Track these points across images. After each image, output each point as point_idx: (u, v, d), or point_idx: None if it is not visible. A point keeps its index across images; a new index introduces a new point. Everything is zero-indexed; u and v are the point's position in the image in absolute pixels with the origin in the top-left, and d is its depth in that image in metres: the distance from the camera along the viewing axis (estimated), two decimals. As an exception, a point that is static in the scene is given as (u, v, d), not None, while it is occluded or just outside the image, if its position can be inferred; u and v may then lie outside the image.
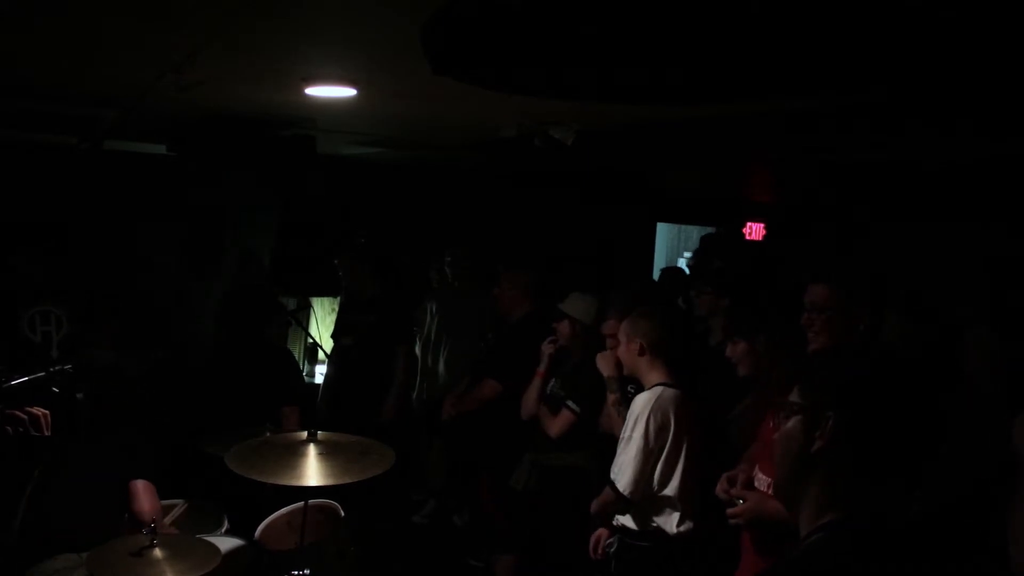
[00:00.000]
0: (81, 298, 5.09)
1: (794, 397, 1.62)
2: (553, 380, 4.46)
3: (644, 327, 3.62)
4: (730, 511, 3.00)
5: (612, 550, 3.65)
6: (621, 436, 3.56)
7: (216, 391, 4.61)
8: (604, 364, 4.05)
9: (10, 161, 6.02)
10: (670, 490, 3.46)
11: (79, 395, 3.00)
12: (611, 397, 4.01)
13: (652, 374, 3.60)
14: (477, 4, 2.44)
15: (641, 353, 3.61)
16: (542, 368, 4.48)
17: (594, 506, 3.70)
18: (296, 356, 6.18)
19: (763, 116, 4.10)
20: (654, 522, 3.49)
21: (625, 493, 3.44)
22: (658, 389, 3.52)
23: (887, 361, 1.61)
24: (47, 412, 2.78)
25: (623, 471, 3.46)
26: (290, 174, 6.05)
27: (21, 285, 4.89)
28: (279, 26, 2.75)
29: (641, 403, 3.51)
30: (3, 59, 3.49)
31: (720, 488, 3.14)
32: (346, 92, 3.83)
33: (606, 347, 4.11)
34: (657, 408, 3.46)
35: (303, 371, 6.53)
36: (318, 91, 3.82)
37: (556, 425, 4.26)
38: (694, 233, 10.25)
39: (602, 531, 3.81)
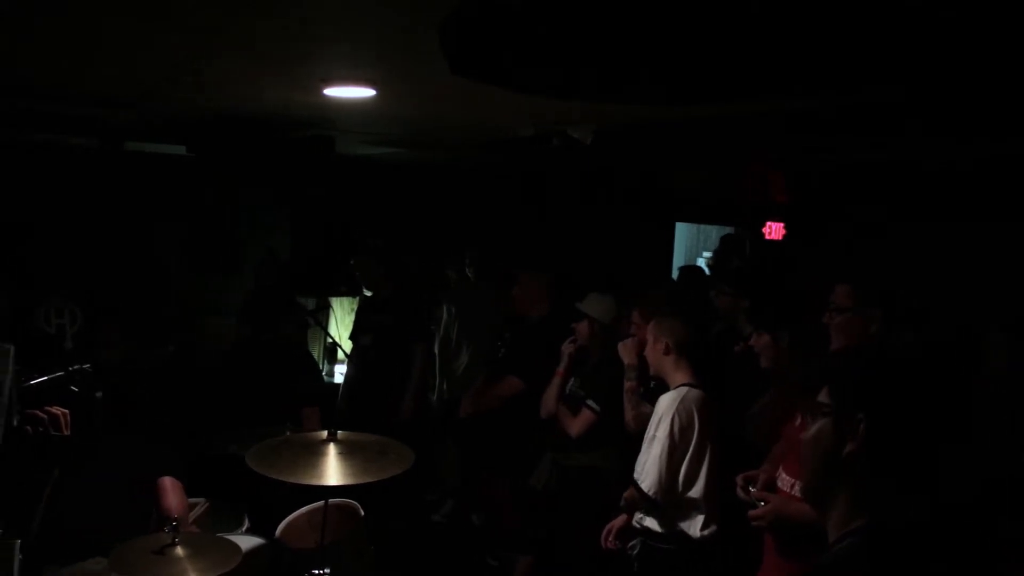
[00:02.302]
0: (97, 296, 5.13)
1: (823, 398, 1.60)
2: (572, 380, 4.46)
3: (671, 327, 3.62)
4: (752, 513, 2.98)
5: (635, 552, 3.64)
6: (645, 436, 3.56)
7: (235, 391, 4.63)
8: (625, 352, 4.06)
9: (29, 161, 6.08)
10: (695, 492, 3.45)
11: (98, 394, 3.01)
12: (628, 384, 4.01)
13: (677, 374, 3.59)
14: (495, 4, 2.45)
15: (667, 352, 3.61)
16: (562, 367, 4.47)
17: (623, 501, 3.71)
18: (316, 356, 6.20)
19: (781, 115, 4.09)
20: (678, 525, 3.48)
21: (650, 493, 3.43)
22: (683, 389, 3.52)
23: (917, 364, 1.59)
24: (66, 411, 2.78)
25: (648, 471, 3.45)
26: (308, 174, 6.08)
27: (35, 279, 4.94)
28: (297, 27, 2.76)
29: (666, 403, 3.51)
30: (28, 63, 3.52)
31: (739, 489, 3.13)
32: (365, 93, 3.83)
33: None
34: (682, 408, 3.45)
35: (322, 371, 6.56)
36: (337, 92, 3.83)
37: (576, 425, 4.26)
38: (713, 233, 10.20)
39: (615, 521, 3.81)
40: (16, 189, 5.96)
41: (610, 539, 3.83)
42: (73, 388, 2.87)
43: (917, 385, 1.53)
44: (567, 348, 4.47)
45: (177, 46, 3.07)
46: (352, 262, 5.88)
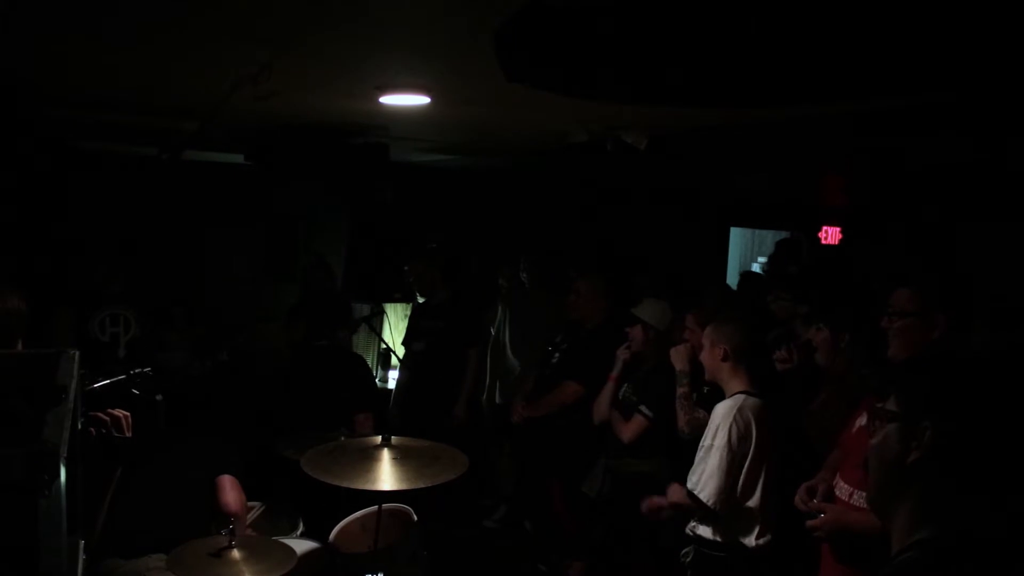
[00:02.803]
0: (154, 303, 5.19)
1: (890, 405, 1.56)
2: (625, 385, 4.43)
3: (729, 333, 3.55)
4: (810, 523, 2.94)
5: (688, 559, 3.60)
6: (701, 443, 3.51)
7: (290, 396, 4.68)
8: (677, 358, 4.00)
9: (94, 170, 6.22)
10: (752, 501, 3.40)
11: (158, 397, 3.06)
12: (680, 391, 3.96)
13: (734, 381, 3.53)
14: (551, 12, 2.44)
15: (725, 359, 3.54)
16: (615, 373, 4.45)
17: (667, 507, 3.69)
18: (370, 362, 6.24)
19: (839, 117, 4.02)
20: (733, 534, 3.43)
21: (711, 504, 3.38)
22: (740, 397, 3.46)
23: (988, 370, 1.54)
24: (128, 414, 2.83)
25: (706, 482, 3.40)
26: (363, 181, 6.13)
27: (96, 288, 5.02)
28: (354, 36, 2.79)
29: (723, 411, 3.46)
30: (87, 74, 3.60)
31: (799, 499, 3.08)
32: (420, 100, 3.85)
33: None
34: (739, 417, 3.39)
35: (376, 377, 6.61)
36: (392, 99, 3.86)
37: (629, 430, 4.23)
38: (768, 238, 10.08)
39: (655, 501, 3.82)
40: (76, 198, 6.09)
41: (645, 507, 3.85)
42: (134, 391, 2.92)
43: (987, 393, 1.49)
44: (622, 353, 4.45)
45: (242, 57, 3.11)
46: (406, 267, 5.93)
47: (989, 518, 1.45)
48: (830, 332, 3.53)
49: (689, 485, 3.48)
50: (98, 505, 2.88)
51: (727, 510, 3.41)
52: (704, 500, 3.39)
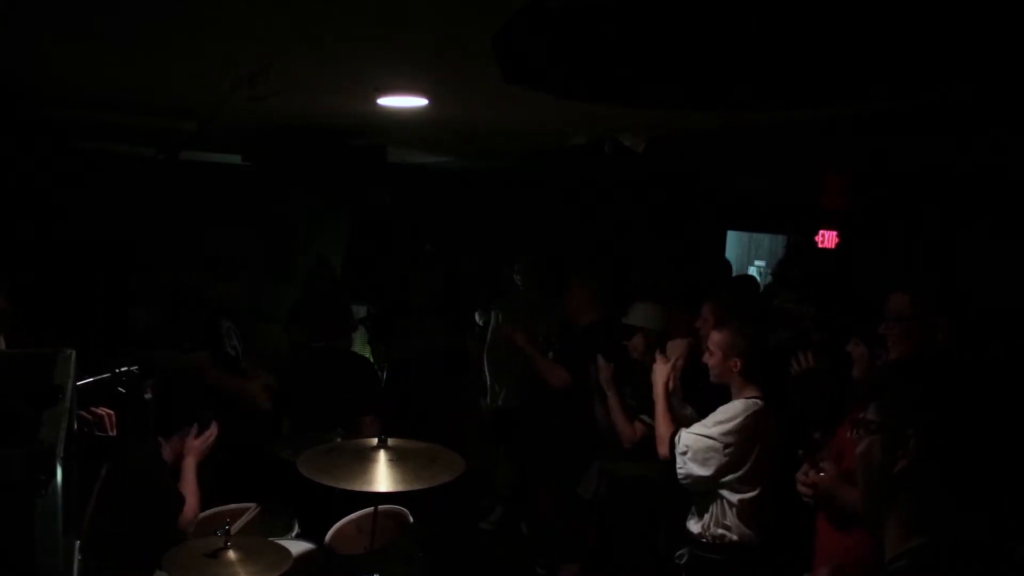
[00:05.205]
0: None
1: (870, 414, 1.54)
2: (627, 390, 4.41)
3: (744, 349, 3.57)
4: (801, 479, 2.98)
5: (683, 561, 3.61)
6: (704, 423, 3.55)
7: (289, 397, 4.67)
8: (674, 350, 3.99)
9: (95, 170, 6.20)
10: (735, 497, 3.43)
11: (147, 395, 3.05)
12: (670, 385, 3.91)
13: (746, 390, 3.57)
14: (550, 13, 2.45)
15: (739, 372, 3.58)
16: (606, 385, 4.38)
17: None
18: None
19: (837, 121, 4.02)
20: (719, 530, 3.45)
21: (680, 474, 3.50)
22: (756, 402, 3.50)
23: (974, 374, 1.53)
24: (112, 412, 2.83)
25: (690, 454, 3.48)
26: (361, 183, 6.14)
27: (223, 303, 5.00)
28: (353, 37, 2.79)
29: (740, 408, 3.50)
30: (87, 74, 3.60)
31: (800, 473, 3.09)
32: (418, 102, 3.85)
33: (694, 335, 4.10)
34: (751, 420, 3.45)
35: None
36: (390, 101, 3.86)
37: (631, 437, 4.20)
38: (764, 241, 10.09)
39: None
40: (76, 199, 6.07)
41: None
42: (120, 390, 2.91)
43: (973, 398, 1.48)
44: (606, 373, 4.41)
45: (242, 57, 3.11)
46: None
47: (980, 524, 1.44)
48: (867, 348, 3.53)
49: (674, 442, 3.57)
50: (83, 504, 2.87)
51: (695, 488, 3.53)
52: (679, 469, 3.50)
